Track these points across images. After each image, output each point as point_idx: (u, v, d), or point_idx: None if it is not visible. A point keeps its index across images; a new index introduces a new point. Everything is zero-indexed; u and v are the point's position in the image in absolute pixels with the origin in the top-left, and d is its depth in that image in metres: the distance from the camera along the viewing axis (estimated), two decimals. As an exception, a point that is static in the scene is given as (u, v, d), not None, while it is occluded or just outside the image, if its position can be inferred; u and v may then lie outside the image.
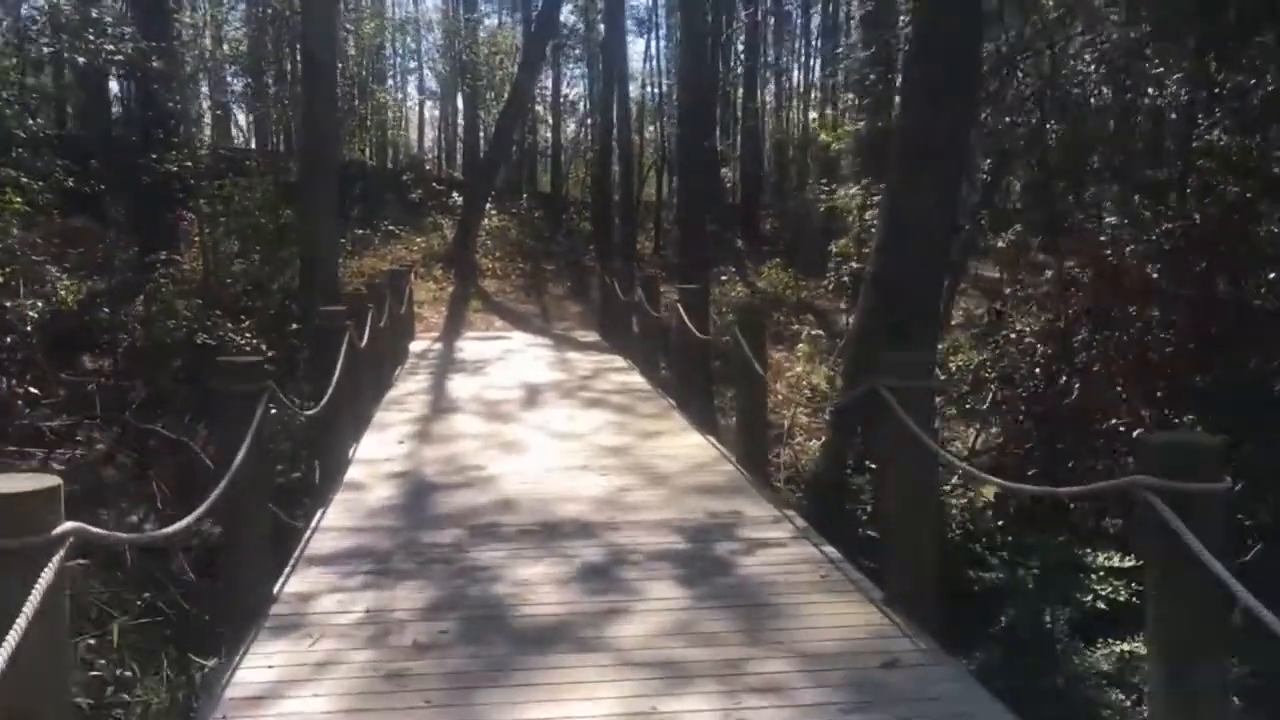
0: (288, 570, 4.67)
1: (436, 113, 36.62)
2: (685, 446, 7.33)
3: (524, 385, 10.30)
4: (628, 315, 13.31)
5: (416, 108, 37.23)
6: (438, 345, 13.90)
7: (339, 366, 6.64)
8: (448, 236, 21.03)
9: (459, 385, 10.36)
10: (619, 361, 12.05)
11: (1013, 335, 8.11)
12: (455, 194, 23.69)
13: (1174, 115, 10.31)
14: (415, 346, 13.55)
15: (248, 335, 10.68)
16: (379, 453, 7.19)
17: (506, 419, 8.48)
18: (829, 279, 18.49)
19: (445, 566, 4.74)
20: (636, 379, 10.65)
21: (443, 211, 23.02)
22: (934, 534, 4.23)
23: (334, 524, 5.44)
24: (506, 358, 12.58)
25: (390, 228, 21.50)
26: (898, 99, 15.00)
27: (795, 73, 32.46)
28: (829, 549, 4.97)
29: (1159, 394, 6.56)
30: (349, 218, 21.37)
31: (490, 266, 20.06)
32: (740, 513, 5.57)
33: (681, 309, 8.71)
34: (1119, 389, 6.42)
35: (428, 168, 30.08)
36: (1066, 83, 9.83)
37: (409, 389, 10.15)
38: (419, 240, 20.97)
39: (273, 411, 4.95)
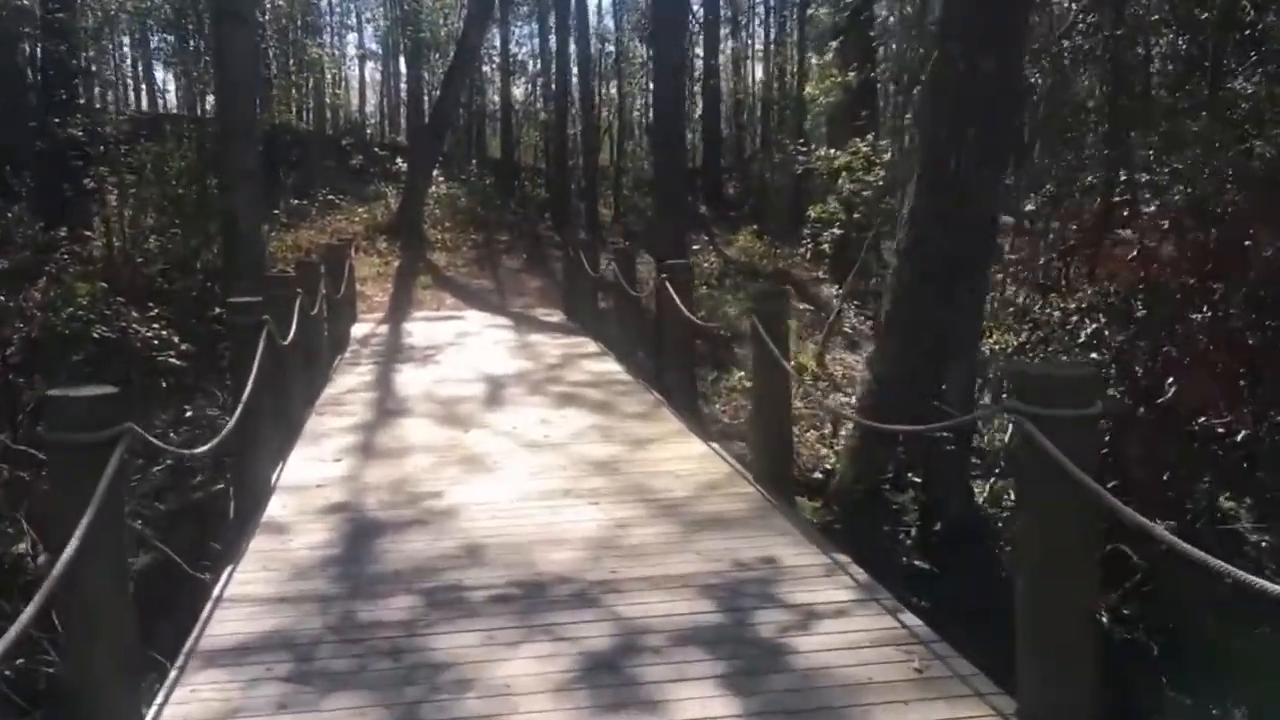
0: (169, 681, 3.32)
1: (379, 75, 34.67)
2: (687, 458, 6.05)
3: (484, 377, 8.94)
4: (595, 292, 11.97)
5: (357, 69, 35.22)
6: (383, 328, 12.44)
7: (253, 374, 5.25)
8: (392, 206, 19.44)
9: (408, 379, 8.97)
10: (590, 345, 10.72)
11: (1059, 314, 6.93)
12: (400, 160, 22.06)
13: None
14: (358, 330, 12.09)
15: (158, 325, 9.14)
16: (310, 475, 5.82)
17: (466, 423, 7.13)
18: (805, 246, 17.29)
19: (392, 664, 3.43)
20: (613, 367, 9.34)
21: (387, 179, 21.40)
22: (1088, 618, 2.99)
23: (244, 592, 4.09)
24: (461, 342, 11.18)
25: (329, 197, 19.85)
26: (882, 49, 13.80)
27: (755, 27, 31.03)
28: (908, 617, 3.74)
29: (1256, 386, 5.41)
30: (284, 186, 19.75)
31: (439, 238, 18.54)
32: (777, 560, 4.31)
33: (671, 287, 7.41)
34: (1214, 381, 5.26)
35: (369, 132, 28.27)
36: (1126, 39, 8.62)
37: (349, 385, 8.74)
38: (361, 210, 19.36)
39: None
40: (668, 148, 11.49)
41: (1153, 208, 7.41)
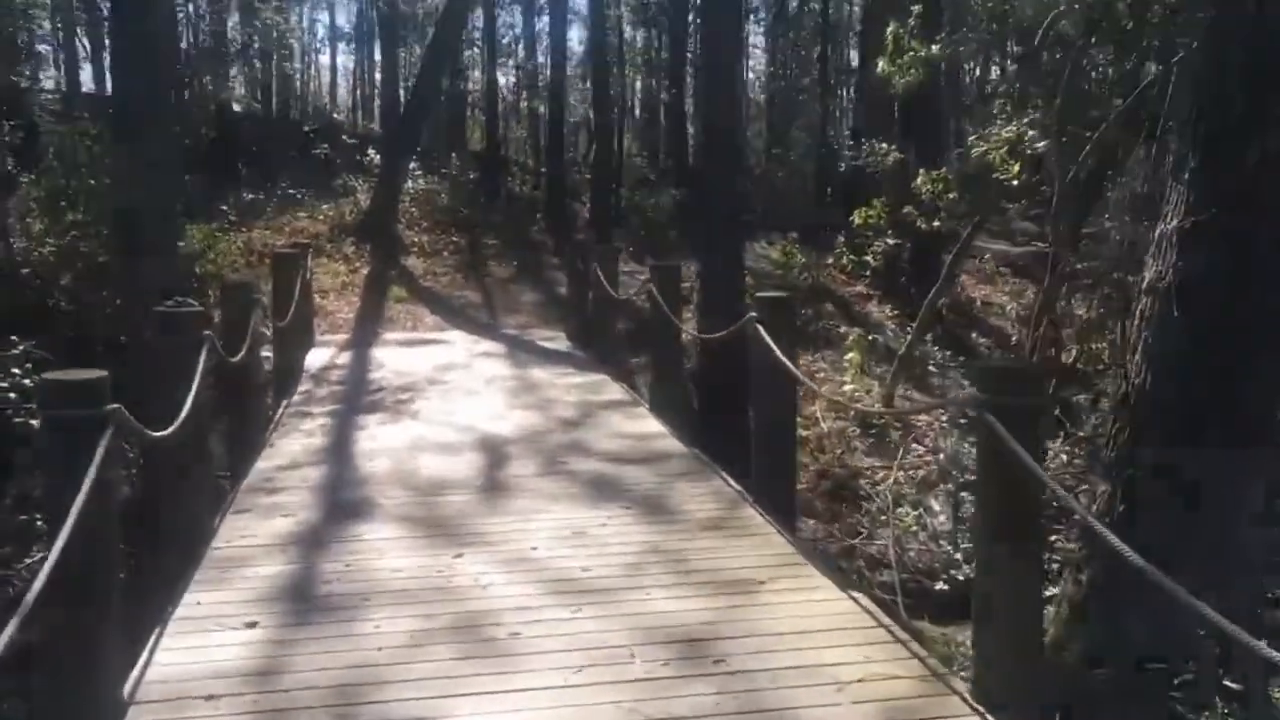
0: None
1: (351, 62, 32.05)
2: (829, 630, 3.67)
3: (478, 442, 6.54)
4: (614, 316, 9.60)
5: (328, 56, 32.62)
6: (347, 356, 9.98)
7: (73, 514, 2.81)
8: (362, 203, 16.93)
9: (373, 444, 6.53)
10: (612, 389, 8.32)
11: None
12: (372, 151, 19.55)
13: None
14: (315, 359, 9.63)
15: (20, 370, 6.62)
16: (197, 667, 3.39)
17: (456, 538, 4.71)
18: (842, 256, 14.97)
19: None
20: (652, 427, 6.95)
21: (357, 171, 18.88)
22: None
23: None
24: (444, 379, 8.76)
25: (290, 191, 17.33)
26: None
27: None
28: None
29: None
30: (238, 179, 17.23)
31: (416, 240, 16.06)
32: None
33: (764, 331, 5.02)
34: None
35: (339, 117, 25.68)
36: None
37: (291, 453, 6.30)
38: (325, 207, 16.84)
39: None
40: (720, 157, 8.97)
41: None
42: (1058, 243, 9.14)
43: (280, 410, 7.62)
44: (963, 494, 7.65)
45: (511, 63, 25.37)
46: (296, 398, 8.02)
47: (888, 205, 13.37)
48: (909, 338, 10.39)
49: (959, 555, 6.82)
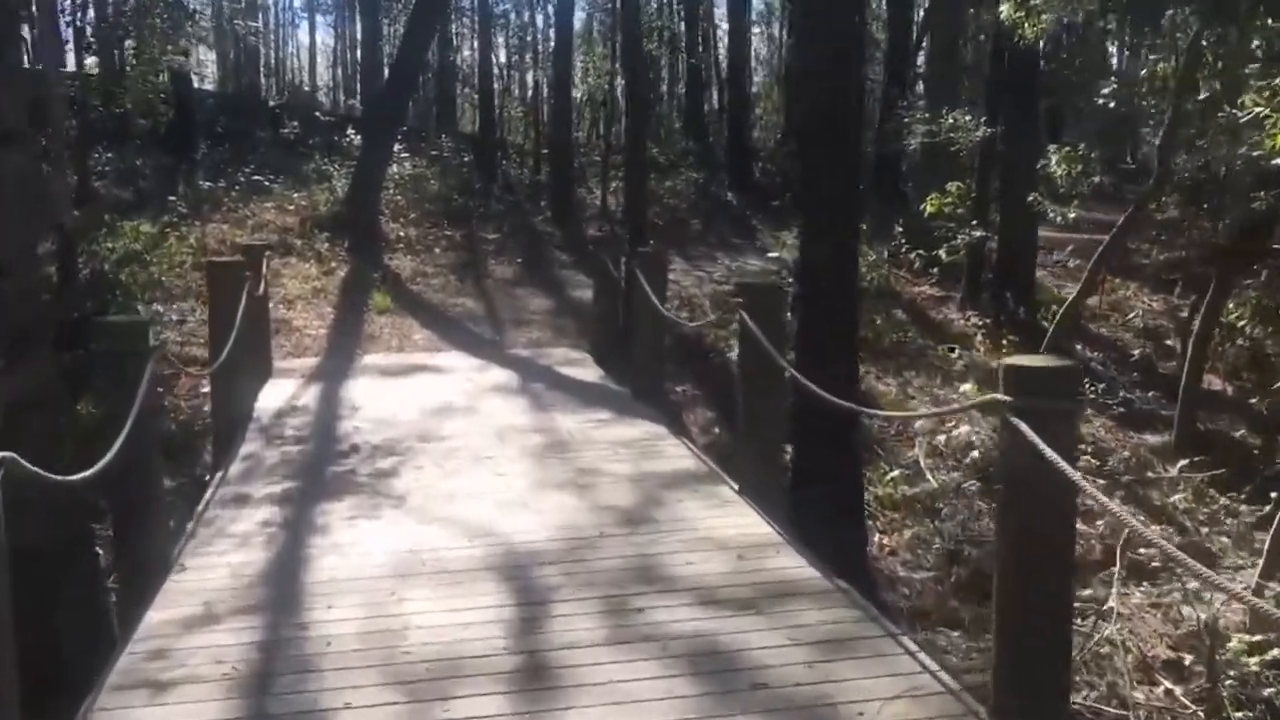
0: None
1: (332, 37, 29.53)
2: None
3: (496, 566, 4.27)
4: (662, 347, 7.38)
5: (307, 30, 30.13)
6: (313, 392, 7.69)
7: None
8: (339, 191, 14.59)
9: (334, 570, 4.25)
10: (672, 448, 6.05)
11: None
12: (352, 132, 17.21)
13: None
14: (269, 401, 7.34)
15: None
16: None
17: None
18: (900, 249, 12.73)
19: None
20: (756, 527, 4.68)
21: (334, 154, 16.55)
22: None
23: None
24: (441, 434, 6.46)
25: (256, 178, 14.99)
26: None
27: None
28: None
29: None
30: (194, 162, 14.88)
31: (403, 235, 13.75)
32: None
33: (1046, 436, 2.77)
34: None
35: (316, 91, 23.23)
36: None
37: (202, 599, 4.00)
38: (297, 196, 14.49)
39: None
40: (828, 138, 6.18)
41: None
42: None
43: (210, 492, 5.35)
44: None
45: (506, 35, 22.90)
46: (235, 468, 5.74)
47: (972, 189, 11.16)
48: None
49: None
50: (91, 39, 12.95)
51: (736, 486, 5.19)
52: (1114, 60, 15.37)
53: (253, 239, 12.05)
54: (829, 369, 5.28)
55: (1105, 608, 5.98)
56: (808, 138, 5.94)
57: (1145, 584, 6.27)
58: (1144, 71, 7.74)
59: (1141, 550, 6.62)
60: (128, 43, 13.00)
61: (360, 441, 6.26)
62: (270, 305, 9.77)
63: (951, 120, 10.55)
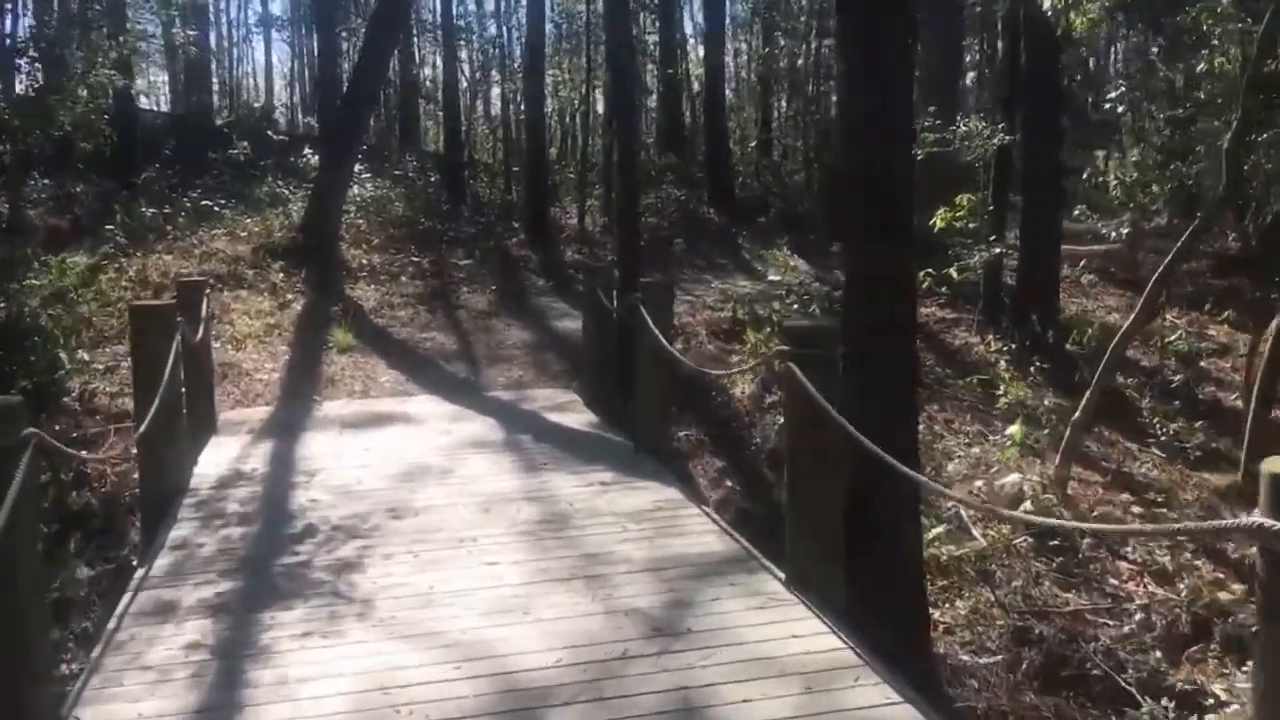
0: None
1: (289, 59, 28.36)
2: None
3: (492, 686, 3.27)
4: (670, 397, 6.40)
5: (263, 47, 28.97)
6: (260, 457, 6.59)
7: None
8: (295, 216, 13.48)
9: (288, 711, 3.23)
10: (694, 519, 5.05)
11: None
12: (309, 152, 16.10)
13: None
14: (209, 467, 6.24)
15: None
16: None
17: None
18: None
19: None
20: (809, 626, 3.69)
21: (289, 175, 15.43)
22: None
23: None
24: (413, 507, 5.41)
25: (206, 203, 13.84)
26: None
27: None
28: None
29: None
30: (135, 187, 13.73)
31: (366, 262, 12.66)
32: None
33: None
34: None
35: (273, 110, 22.07)
36: None
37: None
38: (250, 222, 13.37)
39: None
40: (884, 139, 4.92)
41: None
42: None
43: (126, 599, 4.27)
44: None
45: (470, 49, 21.83)
46: (161, 561, 4.67)
47: (988, 202, 10.30)
48: (1084, 399, 7.15)
49: None
50: (34, 54, 11.86)
51: (783, 576, 4.20)
52: (1117, 62, 14.61)
53: (200, 270, 10.98)
54: (895, 436, 4.31)
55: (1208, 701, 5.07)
56: (871, 178, 4.90)
57: (1248, 662, 5.37)
58: (1200, 68, 6.89)
59: (1237, 616, 5.73)
60: (68, 60, 11.89)
61: (316, 519, 5.20)
62: (217, 346, 8.73)
63: (965, 128, 9.67)
